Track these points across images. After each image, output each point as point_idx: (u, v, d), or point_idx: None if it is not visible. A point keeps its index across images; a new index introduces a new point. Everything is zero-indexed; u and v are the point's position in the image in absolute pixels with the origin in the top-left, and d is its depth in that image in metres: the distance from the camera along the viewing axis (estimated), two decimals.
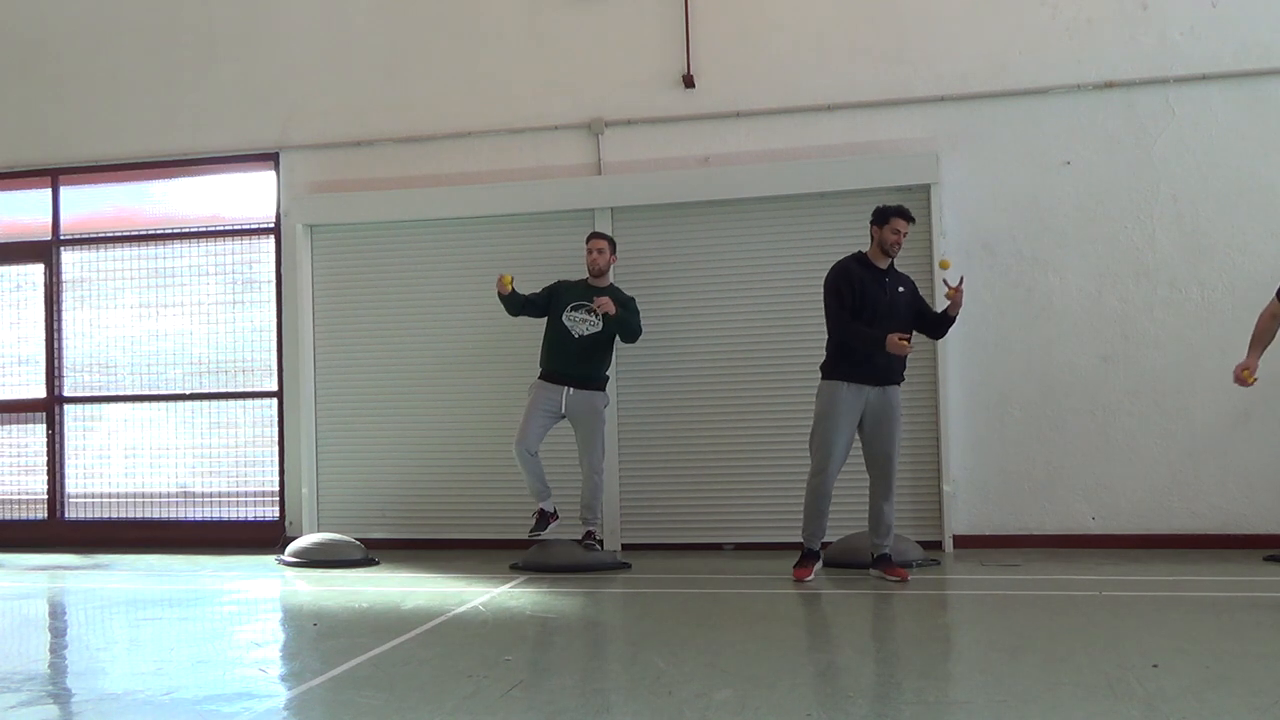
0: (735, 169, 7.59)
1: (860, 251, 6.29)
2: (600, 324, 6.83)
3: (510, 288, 6.83)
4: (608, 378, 7.03)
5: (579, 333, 6.86)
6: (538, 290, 7.04)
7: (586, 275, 7.02)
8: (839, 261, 6.28)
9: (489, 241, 7.91)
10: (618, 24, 7.89)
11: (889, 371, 6.14)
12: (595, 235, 7.01)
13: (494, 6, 8.09)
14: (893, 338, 5.89)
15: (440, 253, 8.01)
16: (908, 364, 6.26)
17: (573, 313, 6.90)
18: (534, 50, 8.01)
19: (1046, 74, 7.32)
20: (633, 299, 7.07)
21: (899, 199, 7.26)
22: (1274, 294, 5.88)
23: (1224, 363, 6.71)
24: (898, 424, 6.18)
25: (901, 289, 6.22)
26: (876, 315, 6.09)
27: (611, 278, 7.10)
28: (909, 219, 6.21)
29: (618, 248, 7.30)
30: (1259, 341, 5.88)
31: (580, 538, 6.91)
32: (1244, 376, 5.83)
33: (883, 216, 6.20)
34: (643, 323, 7.03)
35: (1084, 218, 7.24)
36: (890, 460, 6.18)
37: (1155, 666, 4.11)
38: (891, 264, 6.27)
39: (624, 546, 7.49)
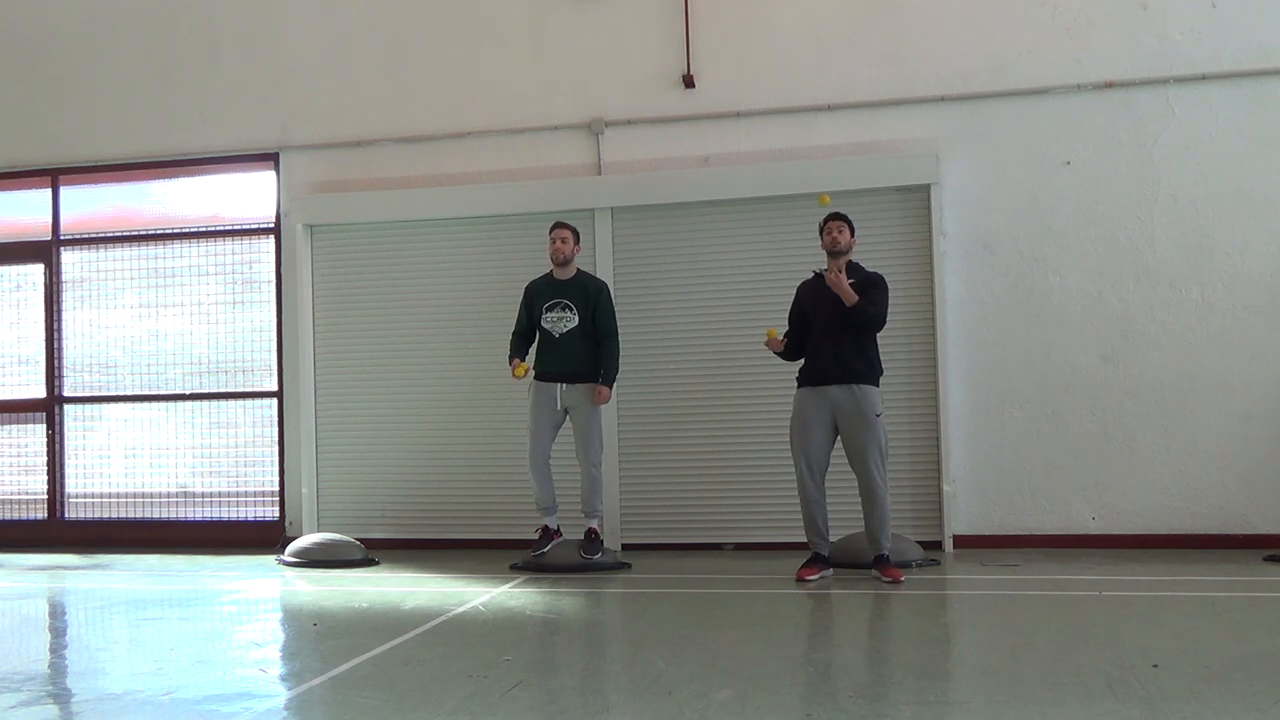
0: (735, 169, 7.60)
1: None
2: (576, 318, 6.86)
3: (523, 372, 6.88)
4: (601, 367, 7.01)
5: (559, 332, 6.87)
6: (520, 314, 7.04)
7: (551, 268, 7.02)
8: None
9: (489, 241, 7.91)
10: (618, 24, 7.89)
11: (832, 369, 6.15)
12: (559, 225, 6.99)
13: (494, 6, 8.10)
14: (828, 274, 6.17)
15: (440, 253, 8.01)
16: (879, 361, 6.29)
17: (548, 314, 6.91)
18: (534, 50, 8.01)
19: (1046, 74, 7.32)
20: (605, 284, 7.08)
21: (899, 199, 7.31)
22: None
23: (1224, 363, 6.73)
24: (868, 427, 6.15)
25: (851, 282, 6.21)
26: (814, 318, 6.29)
27: (578, 265, 7.08)
28: (837, 217, 6.33)
29: (616, 247, 7.31)
30: None
31: (583, 536, 6.90)
32: None
33: (819, 228, 6.39)
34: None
35: (1084, 218, 7.24)
36: (863, 461, 6.17)
37: (1155, 666, 4.11)
38: (848, 267, 6.30)
39: (624, 546, 7.49)
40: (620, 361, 6.99)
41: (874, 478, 6.16)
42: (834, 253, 6.30)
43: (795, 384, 6.39)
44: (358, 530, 7.77)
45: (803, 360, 6.38)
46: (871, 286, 6.24)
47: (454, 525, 7.89)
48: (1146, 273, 7.16)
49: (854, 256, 6.36)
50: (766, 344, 6.38)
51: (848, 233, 6.30)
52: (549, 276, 7.03)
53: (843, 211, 6.42)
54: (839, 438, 6.28)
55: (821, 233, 6.34)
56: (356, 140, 8.23)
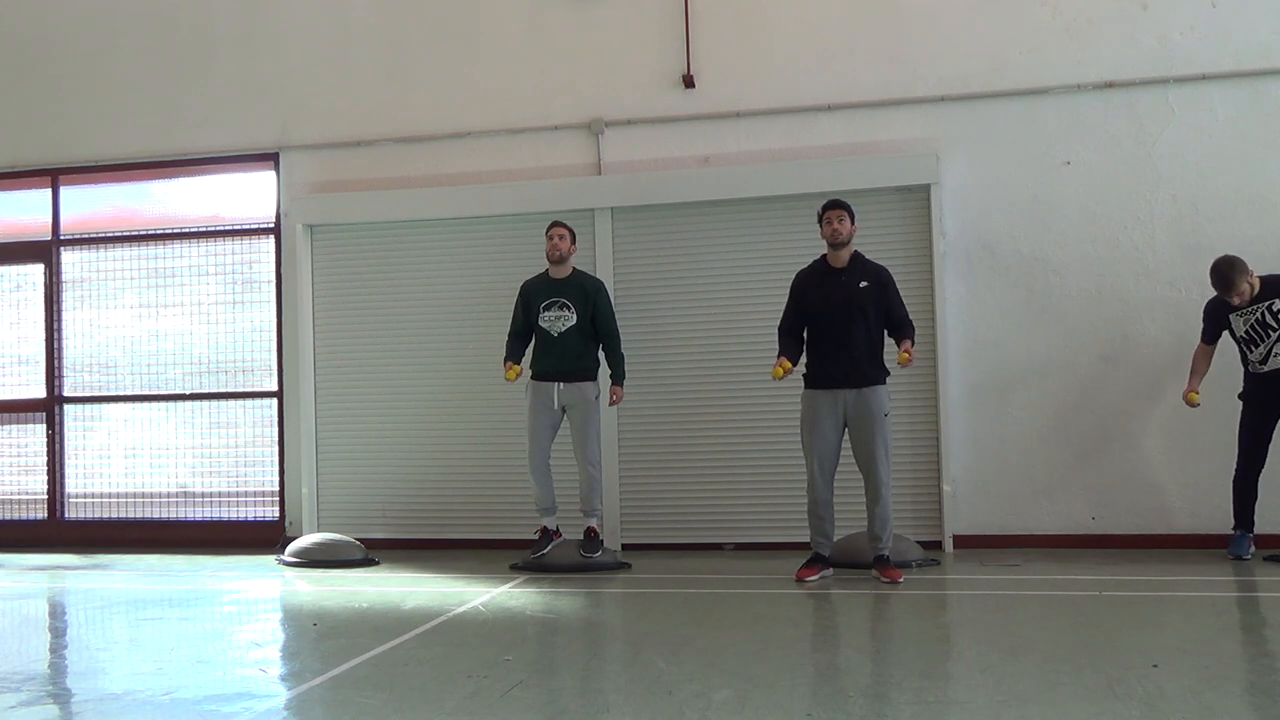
0: (735, 169, 7.59)
1: (823, 254, 6.38)
2: (574, 316, 6.86)
3: (515, 376, 6.88)
4: (597, 364, 7.01)
5: (557, 330, 6.87)
6: (516, 313, 7.02)
7: (546, 268, 7.02)
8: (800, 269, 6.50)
9: (489, 241, 7.91)
10: (618, 24, 7.89)
11: (850, 373, 6.14)
12: (556, 224, 7.01)
13: (494, 6, 8.09)
14: (776, 368, 6.13)
15: (440, 253, 8.01)
16: (882, 362, 6.26)
17: (545, 313, 6.91)
18: (534, 50, 8.01)
19: (1046, 74, 7.32)
20: (602, 284, 7.09)
21: (899, 199, 7.31)
22: (1199, 336, 6.69)
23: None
24: (877, 425, 6.14)
25: (864, 284, 6.21)
26: (822, 316, 6.22)
27: (574, 264, 7.07)
28: (836, 206, 6.28)
29: (616, 247, 7.36)
30: (1195, 372, 6.65)
31: (582, 535, 6.90)
32: (1190, 398, 6.58)
33: (818, 217, 6.33)
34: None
35: (1084, 218, 7.24)
36: (873, 462, 6.16)
37: (1155, 666, 4.12)
38: (854, 259, 6.28)
39: (624, 546, 7.49)
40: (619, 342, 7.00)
41: (880, 476, 6.16)
42: (835, 245, 6.27)
43: (799, 384, 6.37)
44: (358, 530, 7.77)
45: (808, 359, 6.34)
46: (886, 290, 6.22)
47: (454, 525, 7.89)
48: (1146, 273, 7.16)
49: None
50: (780, 379, 6.20)
51: (848, 221, 6.25)
52: (545, 275, 7.04)
53: (841, 199, 6.37)
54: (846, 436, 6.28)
55: (820, 223, 6.31)
56: (356, 140, 8.23)
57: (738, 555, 7.31)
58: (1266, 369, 6.49)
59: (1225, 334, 6.64)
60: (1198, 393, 6.57)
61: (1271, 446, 6.59)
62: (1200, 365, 6.65)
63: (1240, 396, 6.62)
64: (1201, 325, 6.69)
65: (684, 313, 7.62)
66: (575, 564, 6.76)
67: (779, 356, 6.23)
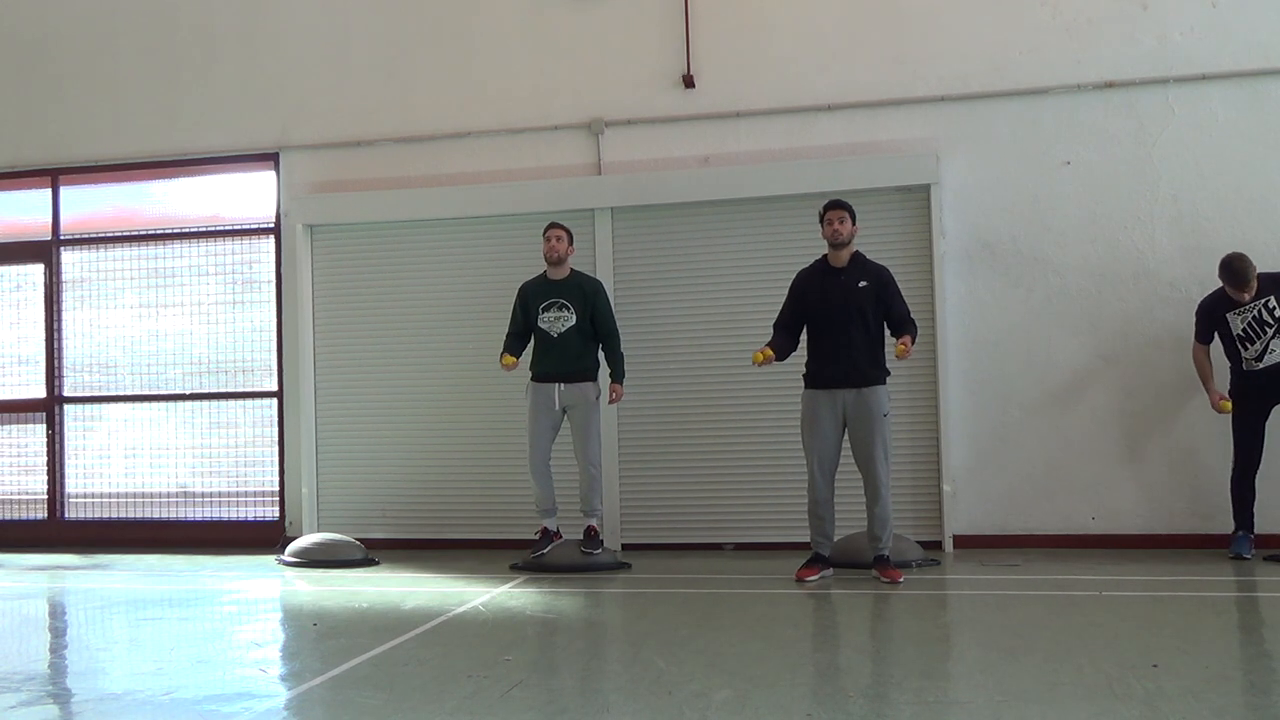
0: (735, 169, 7.60)
1: (824, 254, 6.38)
2: (574, 317, 6.86)
3: (513, 364, 6.88)
4: (597, 364, 7.01)
5: (557, 331, 6.87)
6: (515, 314, 7.01)
7: (545, 268, 7.02)
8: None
9: (489, 241, 7.91)
10: (618, 24, 7.89)
11: (850, 373, 6.14)
12: (553, 225, 7.00)
13: (494, 6, 8.10)
14: (758, 353, 6.16)
15: (440, 253, 8.01)
16: (883, 361, 6.25)
17: (544, 314, 6.91)
18: (534, 50, 8.01)
19: (1046, 74, 7.32)
20: (601, 284, 7.10)
21: (899, 199, 7.32)
22: (1193, 337, 6.74)
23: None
24: (876, 425, 6.14)
25: (864, 283, 6.21)
26: (821, 315, 6.23)
27: (572, 265, 7.07)
28: (837, 207, 6.28)
29: (616, 247, 7.39)
30: (1207, 377, 6.67)
31: (583, 534, 6.90)
32: (1222, 406, 6.54)
33: (819, 217, 6.33)
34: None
35: (1084, 218, 7.24)
36: (872, 462, 6.16)
37: (1155, 666, 4.12)
38: (855, 259, 6.28)
39: (624, 546, 7.49)
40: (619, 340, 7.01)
41: (880, 476, 6.16)
42: (836, 245, 6.27)
43: (799, 384, 6.37)
44: (358, 530, 7.77)
45: (808, 359, 6.35)
46: (886, 289, 6.21)
47: (454, 525, 7.89)
48: (1146, 273, 7.16)
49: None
50: (759, 364, 6.21)
51: (849, 222, 6.25)
52: (543, 277, 7.04)
53: (843, 200, 6.37)
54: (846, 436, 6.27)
55: (821, 223, 6.31)
56: (356, 140, 8.23)
57: (738, 555, 7.31)
58: (1261, 366, 6.52)
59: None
60: (1226, 396, 6.57)
61: (1269, 445, 6.60)
62: (1206, 368, 6.67)
63: (1230, 395, 6.64)
64: (1195, 326, 6.70)
65: (684, 313, 7.62)
66: (575, 564, 6.76)
67: (766, 345, 6.25)
